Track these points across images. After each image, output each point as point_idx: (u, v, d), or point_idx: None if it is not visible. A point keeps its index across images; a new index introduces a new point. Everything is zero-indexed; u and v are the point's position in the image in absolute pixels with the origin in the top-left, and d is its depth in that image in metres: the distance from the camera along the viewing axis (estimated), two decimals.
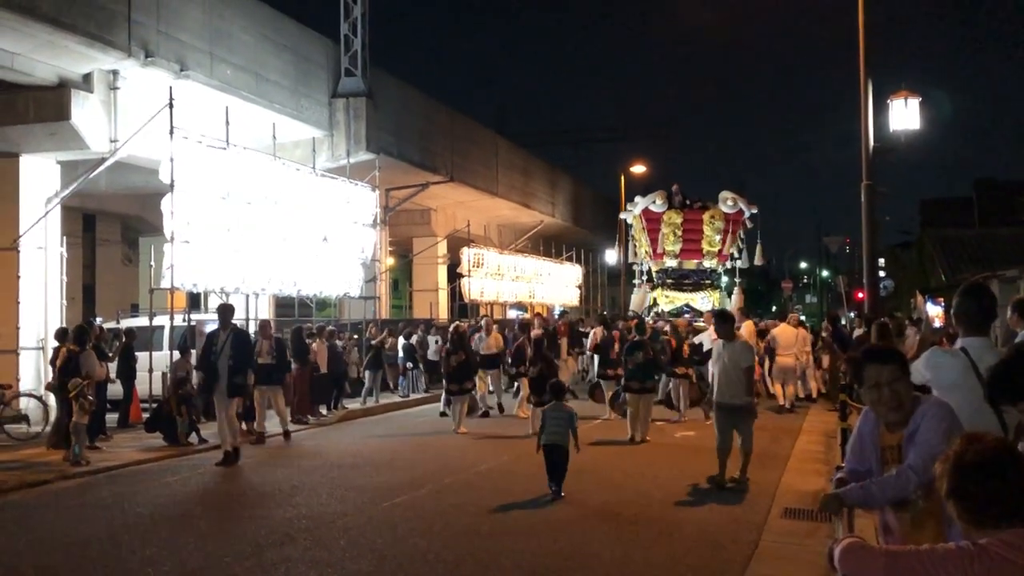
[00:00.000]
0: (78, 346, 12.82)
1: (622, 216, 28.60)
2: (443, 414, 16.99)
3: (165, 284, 15.50)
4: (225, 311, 13.10)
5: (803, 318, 27.97)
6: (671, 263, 28.00)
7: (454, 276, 30.89)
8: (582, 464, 10.93)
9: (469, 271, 28.84)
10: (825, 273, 66.31)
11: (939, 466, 2.49)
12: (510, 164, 34.90)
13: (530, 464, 10.46)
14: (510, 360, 18.31)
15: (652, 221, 27.76)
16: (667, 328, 18.31)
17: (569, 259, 39.88)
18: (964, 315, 4.73)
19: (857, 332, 16.75)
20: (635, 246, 28.82)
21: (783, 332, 18.38)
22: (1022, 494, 2.40)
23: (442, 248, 32.79)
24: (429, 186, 27.53)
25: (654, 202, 27.59)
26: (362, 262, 21.26)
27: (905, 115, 15.27)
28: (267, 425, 15.14)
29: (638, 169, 40.93)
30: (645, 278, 28.92)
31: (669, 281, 28.04)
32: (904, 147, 15.51)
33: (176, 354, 15.24)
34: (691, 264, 28.10)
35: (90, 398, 12.35)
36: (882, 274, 39.18)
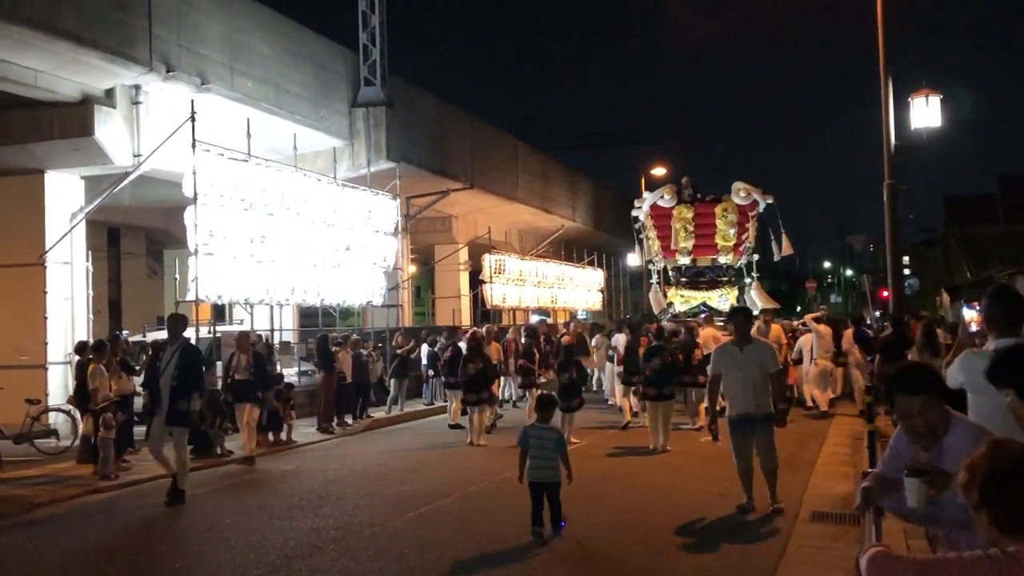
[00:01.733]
0: (91, 360, 12.95)
1: (634, 213, 27.34)
2: (455, 426, 16.72)
3: (190, 297, 15.59)
4: (175, 322, 11.48)
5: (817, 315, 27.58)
6: (684, 260, 26.91)
7: (476, 282, 30.92)
8: (607, 472, 10.92)
9: (491, 277, 28.87)
10: (849, 272, 65.93)
11: (964, 474, 2.47)
12: (530, 169, 34.91)
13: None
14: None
15: (662, 217, 26.69)
16: (681, 331, 17.54)
17: (591, 263, 39.84)
18: (993, 317, 4.76)
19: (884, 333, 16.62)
20: (648, 244, 27.71)
21: (825, 332, 17.92)
22: None
23: (463, 255, 32.84)
24: (449, 193, 27.57)
25: (663, 197, 26.50)
26: (384, 270, 21.33)
27: (926, 113, 15.17)
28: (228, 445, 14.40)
29: (659, 171, 40.83)
30: (657, 278, 27.99)
31: (684, 280, 27.01)
32: (926, 145, 15.40)
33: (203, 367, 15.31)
34: (705, 261, 26.88)
35: (117, 414, 12.45)
36: (907, 272, 38.95)
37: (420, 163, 24.94)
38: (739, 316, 9.63)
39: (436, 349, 21.51)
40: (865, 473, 4.41)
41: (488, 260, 28.90)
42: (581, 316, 38.23)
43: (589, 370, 21.36)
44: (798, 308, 59.89)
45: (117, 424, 12.49)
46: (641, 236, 27.51)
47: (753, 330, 16.26)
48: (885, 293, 31.66)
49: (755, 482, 9.23)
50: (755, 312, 25.72)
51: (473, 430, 14.87)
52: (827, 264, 75.54)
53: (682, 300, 26.57)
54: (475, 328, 18.36)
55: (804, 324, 20.11)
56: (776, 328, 17.25)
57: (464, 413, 15.84)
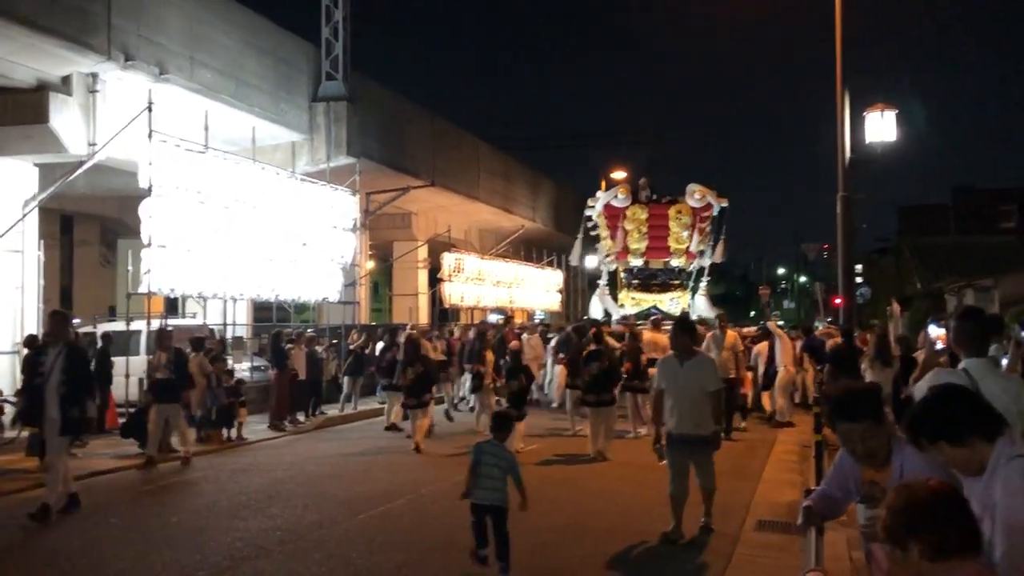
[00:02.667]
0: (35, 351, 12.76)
1: (587, 212, 26.99)
2: (391, 427, 16.37)
3: (143, 289, 15.43)
4: (57, 321, 10.26)
5: (781, 323, 27.60)
6: (636, 262, 26.58)
7: (435, 280, 30.88)
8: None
9: (449, 276, 28.85)
10: (803, 279, 66.73)
11: (886, 518, 2.55)
12: (492, 169, 34.93)
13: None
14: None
15: (614, 217, 26.32)
16: (625, 335, 17.19)
17: (550, 264, 39.93)
18: (963, 338, 4.94)
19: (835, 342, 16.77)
20: (600, 245, 27.43)
21: (786, 342, 17.58)
22: (974, 524, 2.52)
23: (423, 252, 32.79)
24: (410, 190, 27.51)
25: (616, 196, 26.13)
26: (342, 266, 21.25)
27: (881, 127, 15.37)
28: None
29: (619, 175, 40.99)
30: (605, 280, 27.64)
31: (635, 282, 26.72)
32: (880, 159, 15.61)
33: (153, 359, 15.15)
34: (658, 263, 26.67)
35: None
36: (859, 280, 39.48)
37: (381, 159, 24.85)
38: (679, 328, 8.74)
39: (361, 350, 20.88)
40: (808, 491, 4.49)
41: (447, 258, 28.88)
42: (539, 317, 38.31)
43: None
44: (752, 313, 60.52)
45: None
46: (593, 234, 27.19)
47: (708, 336, 16.32)
48: (838, 300, 31.95)
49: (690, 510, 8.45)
50: (703, 315, 25.78)
51: (415, 434, 14.30)
52: (781, 270, 76.43)
53: (633, 302, 26.33)
54: (411, 330, 17.70)
55: (758, 331, 20.16)
56: (732, 335, 17.05)
57: (405, 418, 15.48)
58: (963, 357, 4.95)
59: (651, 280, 26.59)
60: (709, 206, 25.96)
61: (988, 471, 2.91)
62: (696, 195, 25.73)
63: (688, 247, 26.18)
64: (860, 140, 15.70)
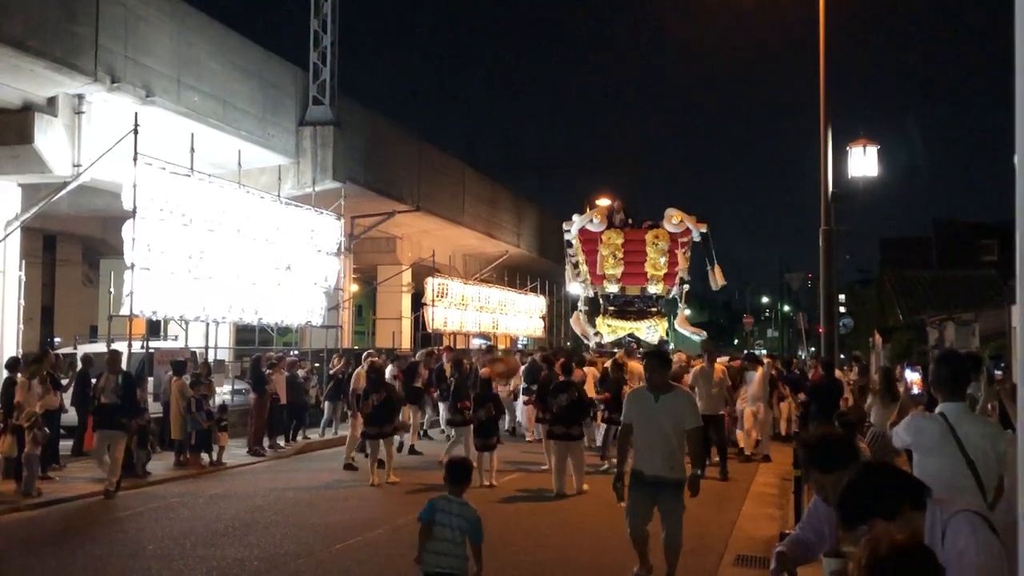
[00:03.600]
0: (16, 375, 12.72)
1: (567, 237, 26.13)
2: (348, 466, 15.02)
3: (124, 311, 15.37)
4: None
5: (764, 352, 27.42)
6: (612, 288, 25.70)
7: (419, 305, 30.85)
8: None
9: (433, 300, 28.81)
10: (787, 308, 67.01)
11: (854, 570, 2.57)
12: (477, 194, 35.03)
13: (488, 506, 10.39)
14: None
15: (589, 242, 25.51)
16: (607, 364, 16.66)
17: (533, 290, 39.97)
18: (941, 382, 4.99)
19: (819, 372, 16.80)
20: (577, 269, 26.58)
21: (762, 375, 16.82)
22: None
23: (407, 276, 32.78)
24: (395, 215, 27.57)
25: (591, 221, 25.35)
26: (325, 290, 21.25)
27: (864, 162, 15.49)
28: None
29: (603, 201, 41.12)
30: (586, 306, 26.97)
31: (611, 308, 25.81)
32: (862, 193, 15.73)
33: None
34: (634, 289, 25.73)
35: (45, 431, 12.21)
36: (843, 310, 39.68)
37: (366, 183, 24.90)
38: (652, 359, 7.97)
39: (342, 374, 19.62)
40: (782, 535, 4.51)
41: (431, 283, 28.85)
42: (522, 343, 38.31)
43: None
44: (735, 341, 60.73)
45: (43, 440, 12.25)
46: (574, 260, 26.49)
47: (696, 368, 15.49)
48: (822, 329, 31.94)
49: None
50: (689, 339, 25.42)
51: (374, 467, 13.50)
52: (765, 299, 76.70)
53: (609, 330, 25.56)
54: (372, 356, 16.49)
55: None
56: (720, 368, 15.64)
57: (361, 450, 14.83)
58: (940, 400, 5.00)
59: (628, 307, 25.73)
60: (687, 231, 25.25)
61: (927, 536, 2.94)
62: (674, 219, 25.05)
63: (666, 273, 25.43)
64: (843, 174, 15.81)
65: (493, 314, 33.76)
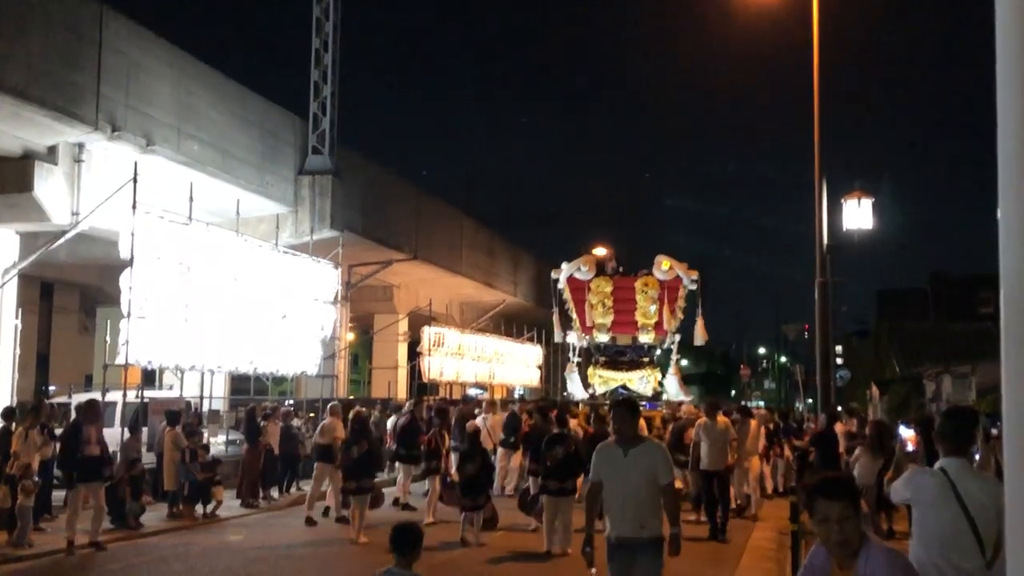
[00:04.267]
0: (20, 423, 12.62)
1: (559, 287, 25.21)
2: (319, 516, 14.51)
3: (120, 360, 15.33)
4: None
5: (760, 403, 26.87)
6: (603, 338, 24.85)
7: (415, 354, 30.82)
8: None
9: (429, 350, 28.79)
10: (784, 359, 66.97)
11: None
12: (474, 243, 35.17)
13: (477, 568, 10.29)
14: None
15: (578, 290, 24.80)
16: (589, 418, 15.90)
17: (531, 339, 39.93)
18: (944, 437, 5.02)
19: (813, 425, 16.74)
20: (568, 319, 25.71)
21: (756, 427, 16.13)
22: None
23: (403, 325, 32.79)
24: (393, 263, 27.65)
25: (579, 268, 24.60)
26: (321, 339, 21.21)
27: (858, 215, 15.62)
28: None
29: (600, 251, 41.27)
30: (576, 356, 26.27)
31: (602, 359, 24.88)
32: (857, 245, 15.83)
33: (127, 432, 14.99)
34: (625, 339, 24.85)
35: (35, 480, 12.10)
36: (840, 361, 39.64)
37: (364, 232, 25.00)
38: (620, 408, 7.16)
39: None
40: None
41: (427, 332, 28.85)
42: (519, 393, 38.19)
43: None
44: (733, 392, 60.61)
45: (34, 490, 12.13)
46: (566, 308, 25.59)
47: (699, 423, 13.98)
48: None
49: None
50: (672, 398, 24.06)
51: (353, 524, 12.65)
52: (762, 350, 76.67)
53: (601, 381, 24.69)
54: (358, 407, 15.66)
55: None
56: (724, 420, 14.43)
57: (346, 505, 13.67)
58: (942, 455, 5.00)
59: (619, 357, 24.86)
60: (678, 279, 24.42)
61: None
62: (663, 266, 24.20)
63: (657, 322, 24.55)
64: (838, 226, 15.92)
65: (489, 363, 33.71)
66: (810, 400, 38.86)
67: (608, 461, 6.82)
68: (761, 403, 51.31)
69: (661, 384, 24.82)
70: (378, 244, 26.12)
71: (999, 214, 2.21)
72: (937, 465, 4.94)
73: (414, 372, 30.87)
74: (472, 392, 34.46)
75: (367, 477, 12.85)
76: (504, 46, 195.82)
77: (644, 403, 20.34)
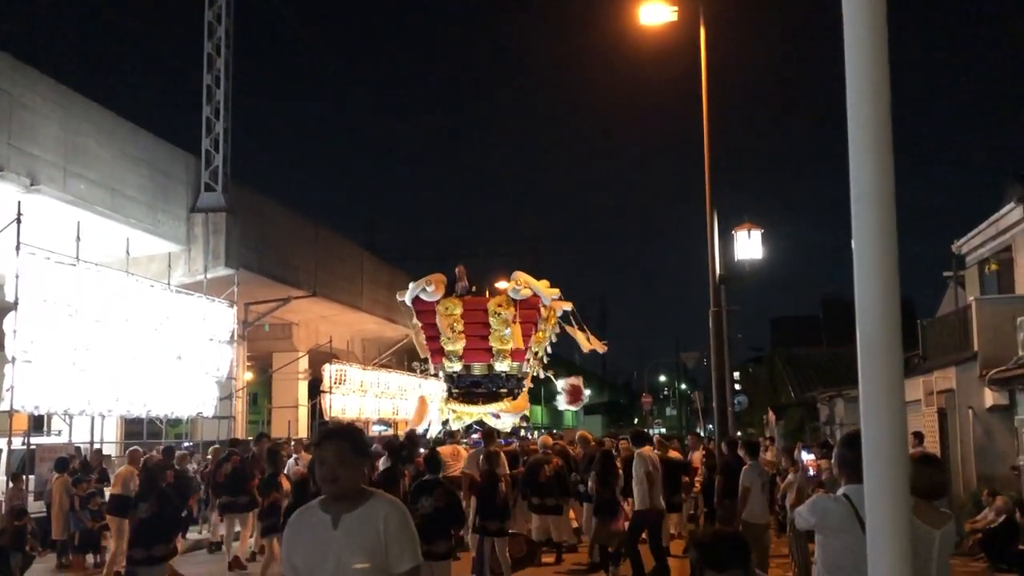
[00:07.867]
0: None
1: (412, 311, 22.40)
2: (235, 561, 13.61)
3: (4, 407, 14.73)
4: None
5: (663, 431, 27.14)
6: (455, 367, 22.23)
7: (316, 392, 30.36)
8: None
9: (331, 387, 28.39)
10: (684, 387, 68.10)
11: None
12: (375, 279, 34.95)
13: None
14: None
15: (425, 313, 21.78)
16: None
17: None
18: (845, 463, 5.04)
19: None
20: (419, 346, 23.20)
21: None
22: None
23: (303, 363, 32.32)
24: (291, 300, 27.25)
25: (424, 289, 21.17)
26: (217, 380, 20.76)
27: (749, 246, 16.02)
28: None
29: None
30: (443, 387, 23.43)
31: (456, 391, 22.44)
32: (748, 276, 16.23)
33: (10, 482, 14.39)
34: (481, 368, 22.25)
35: None
36: (738, 387, 40.48)
37: (261, 270, 24.62)
38: (327, 443, 3.73)
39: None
40: None
41: (328, 369, 28.44)
42: (422, 429, 37.84)
43: None
44: (635, 420, 61.24)
45: None
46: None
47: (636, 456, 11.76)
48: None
49: None
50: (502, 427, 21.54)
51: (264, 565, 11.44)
52: (663, 378, 77.84)
53: (455, 416, 22.23)
54: (274, 442, 14.89)
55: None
56: (648, 451, 12.23)
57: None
58: (843, 482, 5.05)
59: (475, 388, 22.20)
60: (535, 298, 21.42)
61: None
62: (518, 285, 21.20)
63: (518, 348, 21.59)
64: (731, 257, 16.32)
65: (393, 400, 33.37)
66: (710, 426, 39.56)
67: (303, 537, 3.74)
68: (663, 430, 52.04)
69: (526, 418, 22.83)
70: (275, 281, 25.73)
71: (853, 244, 2.26)
72: (840, 492, 5.01)
73: (315, 410, 30.41)
74: (375, 428, 34.07)
75: (161, 543, 9.77)
76: (397, 81, 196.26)
77: (501, 439, 18.11)
